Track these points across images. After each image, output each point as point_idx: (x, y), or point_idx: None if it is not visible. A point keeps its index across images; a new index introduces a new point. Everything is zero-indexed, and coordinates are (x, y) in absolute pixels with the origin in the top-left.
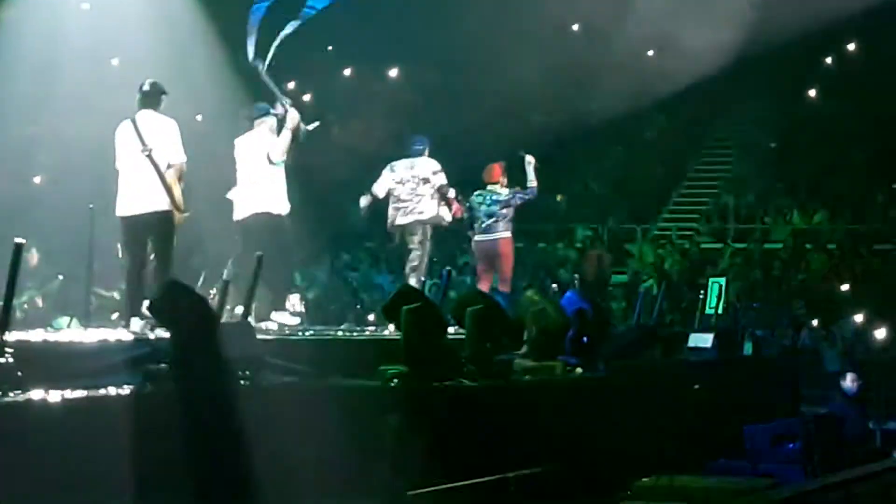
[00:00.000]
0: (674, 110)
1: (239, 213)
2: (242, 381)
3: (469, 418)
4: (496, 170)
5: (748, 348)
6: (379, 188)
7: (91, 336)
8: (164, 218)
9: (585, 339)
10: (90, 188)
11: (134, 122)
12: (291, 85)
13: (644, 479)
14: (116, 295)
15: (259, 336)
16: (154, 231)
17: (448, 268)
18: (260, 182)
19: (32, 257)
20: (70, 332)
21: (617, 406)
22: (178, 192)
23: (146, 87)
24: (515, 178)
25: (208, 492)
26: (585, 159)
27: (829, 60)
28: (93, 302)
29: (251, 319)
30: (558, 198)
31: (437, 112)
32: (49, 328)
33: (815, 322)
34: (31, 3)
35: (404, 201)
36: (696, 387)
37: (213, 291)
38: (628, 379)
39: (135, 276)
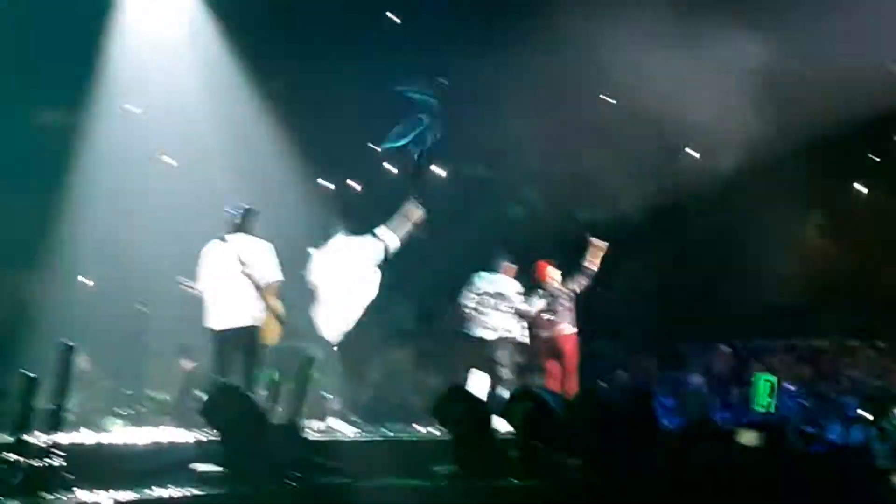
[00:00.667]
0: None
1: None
2: (292, 483)
3: None
4: (542, 267)
5: (797, 446)
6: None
7: (142, 438)
8: (253, 332)
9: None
10: (139, 290)
11: (224, 240)
12: None
13: None
14: (168, 397)
15: (308, 437)
16: (243, 343)
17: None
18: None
19: (84, 360)
20: (120, 433)
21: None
22: (278, 306)
23: (239, 215)
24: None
25: None
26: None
27: None
28: (143, 404)
29: (301, 420)
30: None
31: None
32: (100, 430)
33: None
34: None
35: (484, 315)
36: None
37: (265, 392)
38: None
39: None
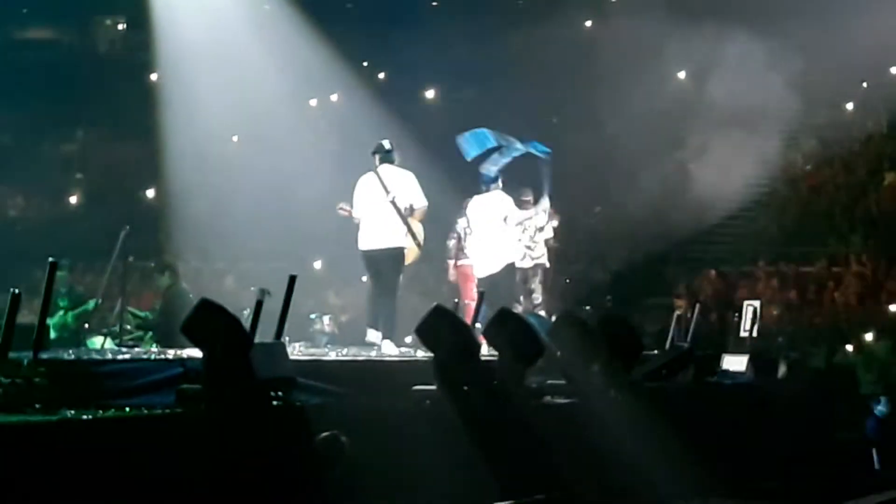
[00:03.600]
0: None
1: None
2: (274, 402)
3: (500, 439)
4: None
5: (783, 370)
6: None
7: (124, 356)
8: (398, 253)
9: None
10: (124, 211)
11: (377, 174)
12: None
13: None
14: (150, 315)
15: (292, 356)
16: (388, 263)
17: (482, 289)
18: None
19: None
20: (103, 351)
21: (650, 428)
22: (419, 231)
23: (386, 146)
24: None
25: None
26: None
27: None
28: (126, 321)
29: (284, 339)
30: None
31: None
32: (83, 348)
33: (849, 346)
34: None
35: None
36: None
37: (246, 311)
38: (662, 401)
39: (374, 299)
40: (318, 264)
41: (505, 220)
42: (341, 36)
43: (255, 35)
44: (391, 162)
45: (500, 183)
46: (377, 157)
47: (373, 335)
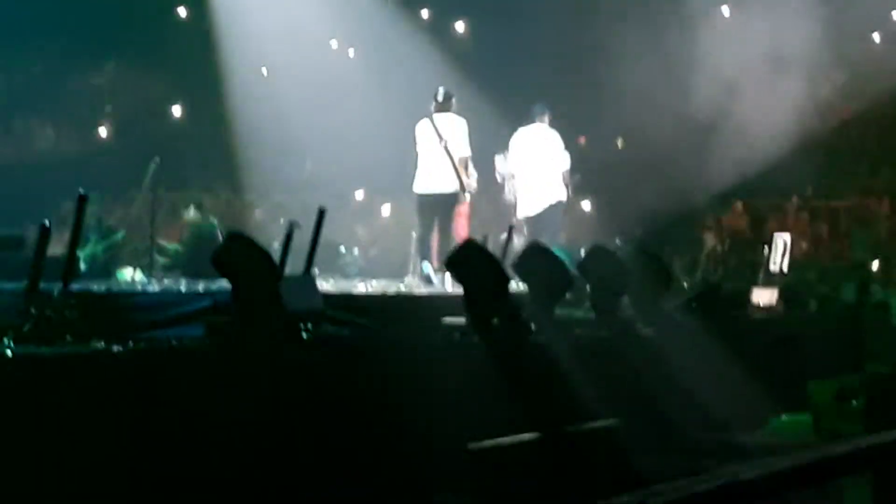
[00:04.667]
0: None
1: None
2: (304, 334)
3: (530, 371)
4: None
5: (813, 305)
6: None
7: (154, 288)
8: (450, 198)
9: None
10: (152, 143)
11: (432, 120)
12: None
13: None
14: (179, 248)
15: (321, 289)
16: (441, 207)
17: (511, 223)
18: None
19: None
20: (133, 283)
21: (679, 362)
22: (465, 176)
23: (440, 96)
24: None
25: (270, 444)
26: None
27: None
28: (155, 253)
29: (314, 272)
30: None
31: None
32: (113, 280)
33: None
34: None
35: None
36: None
37: (276, 245)
38: (691, 334)
39: (426, 238)
40: (359, 194)
41: (553, 157)
42: None
43: None
44: (447, 110)
45: (546, 116)
46: (433, 104)
47: (428, 268)
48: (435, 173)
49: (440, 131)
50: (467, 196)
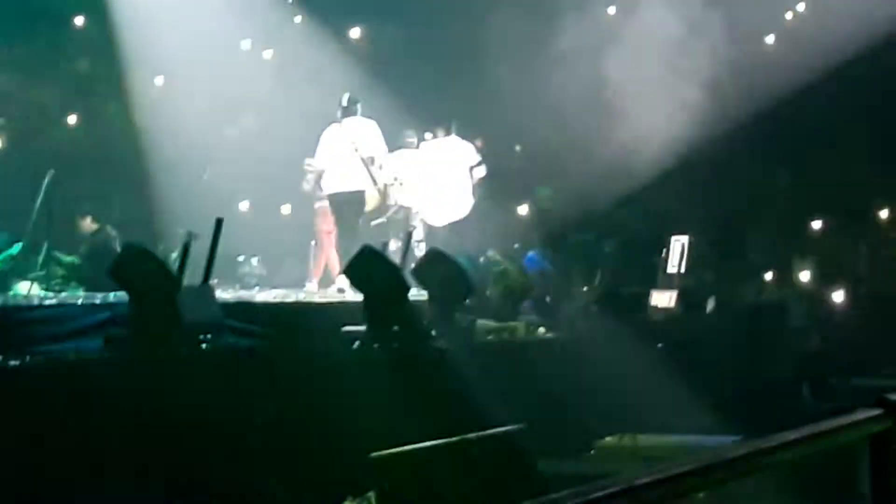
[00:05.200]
0: None
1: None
2: (202, 345)
3: (432, 379)
4: None
5: (711, 306)
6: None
7: (52, 301)
8: (359, 196)
9: (548, 299)
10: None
11: (340, 125)
12: None
13: (607, 439)
14: (76, 260)
15: (219, 299)
16: (349, 206)
17: (410, 230)
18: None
19: None
20: (31, 297)
21: (580, 366)
22: (381, 177)
23: (345, 101)
24: None
25: (165, 457)
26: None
27: None
28: (52, 267)
29: (212, 282)
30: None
31: None
32: (9, 293)
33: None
34: None
35: None
36: (659, 346)
37: (174, 255)
38: (591, 338)
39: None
40: (244, 205)
41: (469, 167)
42: None
43: None
44: (353, 114)
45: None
46: (339, 110)
47: (341, 280)
48: (343, 174)
49: (348, 134)
50: (376, 198)
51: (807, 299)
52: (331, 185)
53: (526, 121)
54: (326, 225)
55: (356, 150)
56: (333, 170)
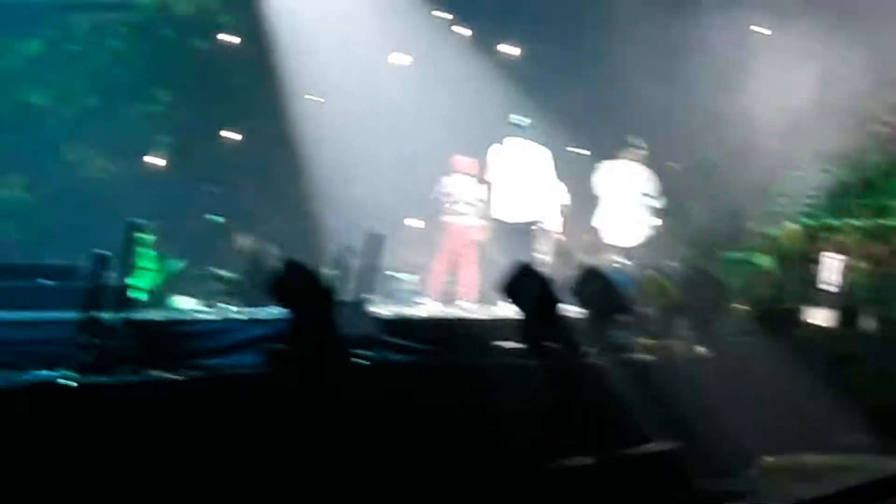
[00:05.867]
0: None
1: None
2: (360, 360)
3: (587, 396)
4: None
5: (869, 323)
6: None
7: (211, 316)
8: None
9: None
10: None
11: (512, 146)
12: None
13: (768, 458)
14: (237, 276)
15: (378, 315)
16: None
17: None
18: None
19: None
20: (191, 312)
21: (737, 383)
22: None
23: (520, 122)
24: None
25: (332, 470)
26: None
27: None
28: (212, 282)
29: (369, 298)
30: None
31: None
32: (170, 309)
33: None
34: None
35: None
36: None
37: (333, 271)
38: (748, 355)
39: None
40: (410, 222)
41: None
42: None
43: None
44: (526, 137)
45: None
46: (514, 129)
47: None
48: (519, 200)
49: (519, 158)
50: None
51: None
52: (501, 210)
53: (680, 136)
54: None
55: (530, 178)
56: (507, 194)
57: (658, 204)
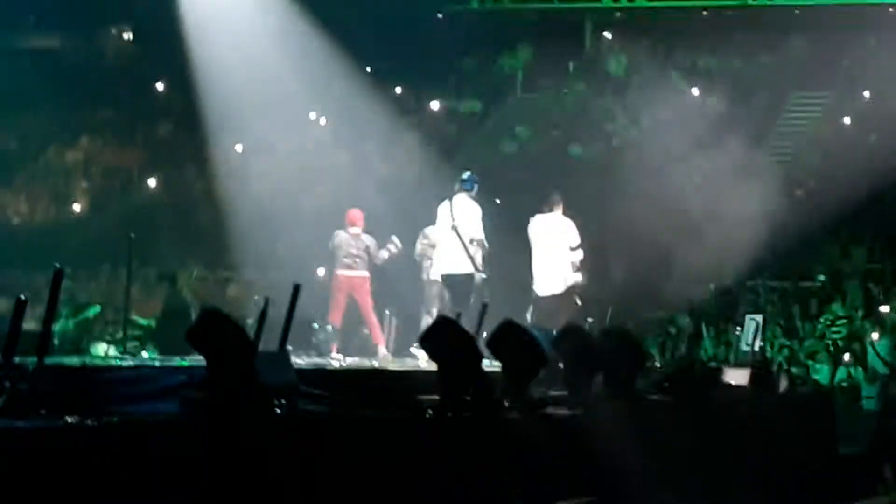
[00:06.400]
0: None
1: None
2: (277, 410)
3: (503, 450)
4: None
5: (784, 385)
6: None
7: (128, 363)
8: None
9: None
10: (127, 219)
11: (451, 201)
12: None
13: None
14: (153, 323)
15: (295, 365)
16: (458, 288)
17: (485, 301)
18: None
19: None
20: (107, 358)
21: (652, 441)
22: (478, 259)
23: (465, 177)
24: None
25: None
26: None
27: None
28: (129, 329)
29: (288, 348)
30: None
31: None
32: (86, 355)
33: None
34: None
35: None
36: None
37: (250, 321)
38: (665, 413)
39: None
40: (321, 272)
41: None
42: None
43: (272, 46)
44: (467, 191)
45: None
46: (456, 185)
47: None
48: (453, 254)
49: (454, 213)
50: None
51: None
52: (441, 266)
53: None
54: None
55: (454, 227)
56: (443, 248)
57: (579, 258)
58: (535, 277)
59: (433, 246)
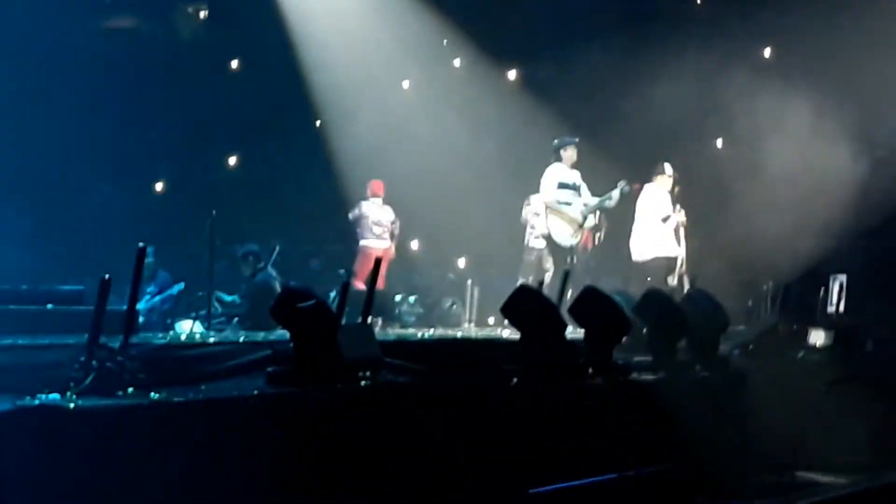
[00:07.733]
0: None
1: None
2: (362, 382)
3: (587, 416)
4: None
5: (870, 346)
6: None
7: (213, 339)
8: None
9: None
10: (209, 197)
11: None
12: None
13: (767, 478)
14: (238, 299)
15: (378, 337)
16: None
17: (567, 269)
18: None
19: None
20: (192, 335)
21: (736, 404)
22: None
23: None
24: None
25: (326, 492)
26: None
27: None
28: (214, 306)
29: (370, 320)
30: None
31: None
32: (171, 332)
33: None
34: None
35: None
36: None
37: (333, 294)
38: (747, 377)
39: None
40: (414, 244)
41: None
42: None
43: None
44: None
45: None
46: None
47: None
48: (568, 223)
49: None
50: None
51: None
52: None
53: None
54: None
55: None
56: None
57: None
58: (631, 245)
59: (537, 214)
